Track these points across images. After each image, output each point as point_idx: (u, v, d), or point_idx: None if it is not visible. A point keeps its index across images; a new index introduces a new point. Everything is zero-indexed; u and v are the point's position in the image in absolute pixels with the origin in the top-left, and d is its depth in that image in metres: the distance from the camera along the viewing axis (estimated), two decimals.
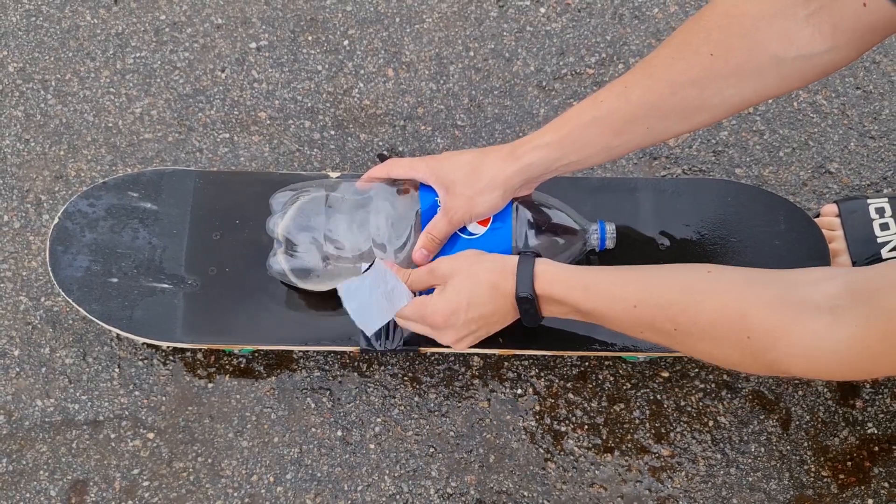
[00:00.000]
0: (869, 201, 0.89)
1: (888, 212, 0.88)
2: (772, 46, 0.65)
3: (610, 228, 0.80)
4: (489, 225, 0.78)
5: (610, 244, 0.81)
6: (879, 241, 0.87)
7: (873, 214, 0.88)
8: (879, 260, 0.86)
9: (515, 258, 0.73)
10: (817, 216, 0.92)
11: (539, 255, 0.74)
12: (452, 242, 0.79)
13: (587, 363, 0.88)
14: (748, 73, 0.67)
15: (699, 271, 0.67)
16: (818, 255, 0.86)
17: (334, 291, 0.83)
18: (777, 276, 0.63)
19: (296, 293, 0.84)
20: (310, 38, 1.06)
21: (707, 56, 0.67)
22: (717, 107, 0.70)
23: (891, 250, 0.86)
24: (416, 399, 0.87)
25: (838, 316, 0.57)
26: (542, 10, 1.07)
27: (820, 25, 0.63)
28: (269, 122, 1.01)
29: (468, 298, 0.72)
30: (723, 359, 0.66)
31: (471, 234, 0.79)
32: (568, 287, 0.70)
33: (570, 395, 0.87)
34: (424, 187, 0.79)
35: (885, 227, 0.87)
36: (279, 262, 0.80)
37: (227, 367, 0.88)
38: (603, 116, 0.72)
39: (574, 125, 0.74)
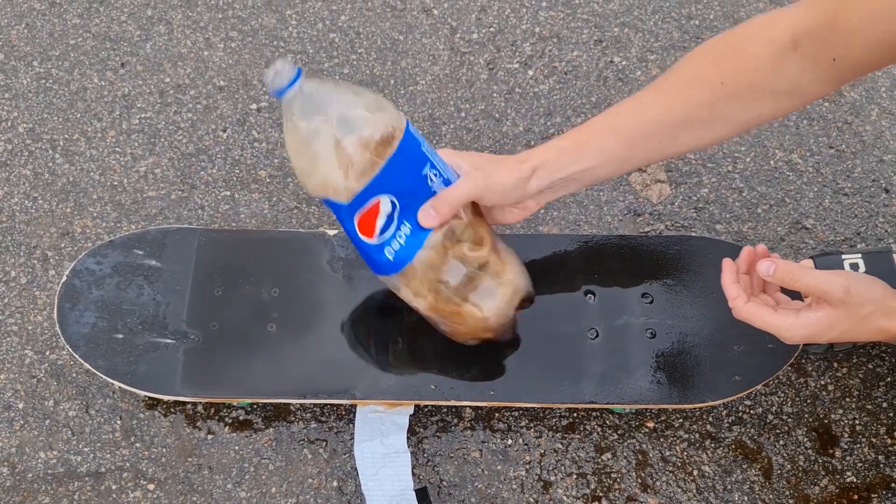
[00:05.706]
0: (843, 257, 0.93)
1: (862, 267, 0.92)
2: (770, 79, 0.75)
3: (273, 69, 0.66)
4: None
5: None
6: None
7: (847, 270, 0.92)
8: None
9: None
10: None
11: None
12: None
13: (575, 414, 0.91)
14: (753, 100, 0.77)
15: None
16: None
17: (330, 343, 0.86)
18: None
19: (293, 348, 0.88)
20: None
21: (718, 84, 0.76)
22: (725, 125, 0.78)
23: None
24: (410, 450, 0.89)
25: None
26: (531, 72, 1.13)
27: (806, 64, 0.74)
28: (268, 180, 1.05)
29: None
30: None
31: None
32: None
33: (559, 445, 0.90)
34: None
35: None
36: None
37: (227, 418, 0.91)
38: (619, 129, 0.78)
39: (591, 132, 0.79)
